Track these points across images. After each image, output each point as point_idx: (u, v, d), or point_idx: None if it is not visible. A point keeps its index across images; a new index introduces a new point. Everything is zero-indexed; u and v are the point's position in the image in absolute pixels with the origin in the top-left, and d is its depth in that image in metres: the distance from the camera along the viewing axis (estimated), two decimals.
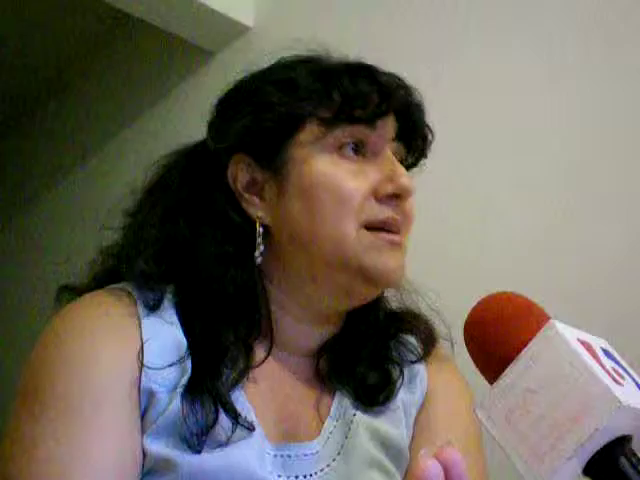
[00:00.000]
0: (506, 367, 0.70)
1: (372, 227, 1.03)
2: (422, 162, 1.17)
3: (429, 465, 0.65)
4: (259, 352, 1.04)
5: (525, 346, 0.70)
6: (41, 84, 3.34)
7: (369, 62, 1.11)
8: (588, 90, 1.67)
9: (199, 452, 0.93)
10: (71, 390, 0.94)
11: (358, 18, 2.16)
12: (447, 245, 1.80)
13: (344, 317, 1.12)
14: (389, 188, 1.04)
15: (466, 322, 0.76)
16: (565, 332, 0.70)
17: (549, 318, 0.73)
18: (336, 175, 1.03)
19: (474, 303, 0.77)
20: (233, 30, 2.47)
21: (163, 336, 0.99)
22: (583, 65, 1.69)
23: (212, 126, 1.13)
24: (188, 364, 0.98)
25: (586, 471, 0.68)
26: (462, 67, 1.91)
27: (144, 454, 0.94)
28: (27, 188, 3.46)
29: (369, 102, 1.05)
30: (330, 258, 1.02)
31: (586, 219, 1.61)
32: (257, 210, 1.06)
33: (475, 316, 0.76)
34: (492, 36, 1.86)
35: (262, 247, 1.04)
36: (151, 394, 0.95)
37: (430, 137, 1.15)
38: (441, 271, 1.73)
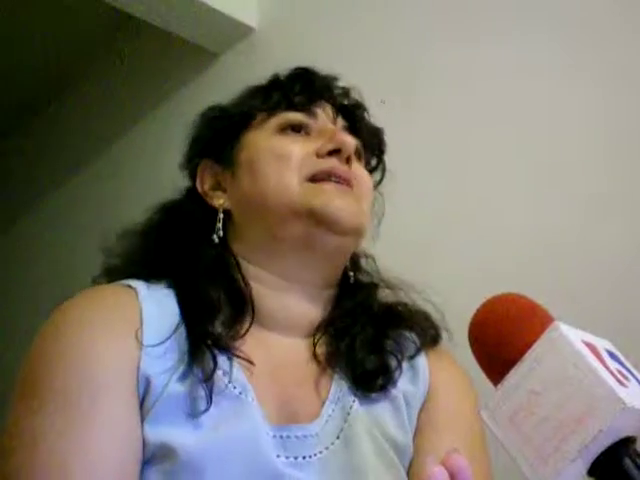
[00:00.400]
0: (510, 369, 0.71)
1: (316, 179, 1.09)
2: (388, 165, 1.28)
3: (436, 472, 0.66)
4: (245, 325, 1.07)
5: (529, 348, 0.70)
6: (43, 86, 3.34)
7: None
8: (588, 89, 1.67)
9: (205, 410, 0.95)
10: (69, 383, 0.94)
11: (361, 19, 2.16)
12: (451, 247, 1.80)
13: (334, 297, 1.15)
14: (329, 145, 1.12)
15: (471, 323, 0.77)
16: (569, 334, 0.70)
17: (553, 320, 0.73)
18: (278, 142, 1.13)
19: (478, 304, 0.78)
20: (237, 32, 2.47)
21: (163, 318, 1.02)
22: (579, 63, 1.69)
23: (183, 154, 1.24)
24: (183, 333, 1.01)
25: (591, 472, 0.68)
26: (461, 65, 1.91)
27: (144, 443, 0.94)
28: (30, 190, 3.47)
29: (300, 92, 1.18)
30: (279, 210, 1.08)
31: (590, 220, 1.61)
32: (219, 199, 1.16)
33: (480, 318, 0.76)
34: (490, 32, 1.86)
35: (220, 230, 1.12)
36: (148, 380, 0.96)
37: (377, 132, 1.26)
38: (445, 273, 1.73)
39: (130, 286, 1.05)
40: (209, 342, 1.00)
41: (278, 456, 0.98)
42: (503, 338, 0.73)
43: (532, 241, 1.68)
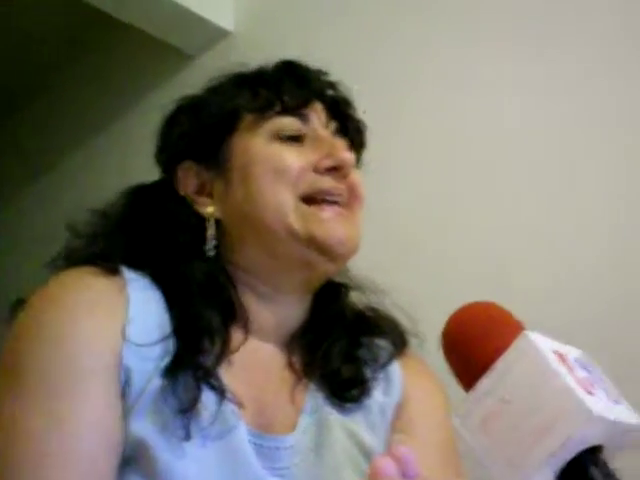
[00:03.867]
0: (482, 376, 0.71)
1: (312, 199, 1.06)
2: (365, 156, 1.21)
3: (382, 462, 0.67)
4: (236, 337, 1.05)
5: (500, 355, 0.71)
6: (16, 86, 3.31)
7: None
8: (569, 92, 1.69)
9: (184, 437, 0.93)
10: (50, 366, 0.93)
11: (337, 22, 2.17)
12: (426, 253, 1.81)
13: (310, 303, 1.13)
14: (328, 162, 1.07)
15: (443, 330, 0.77)
16: (539, 342, 0.71)
17: (524, 328, 0.74)
18: (273, 151, 1.07)
19: (451, 312, 0.78)
20: (213, 34, 2.47)
21: (149, 314, 1.00)
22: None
23: (158, 145, 1.17)
24: (171, 344, 0.98)
25: None
26: (439, 67, 1.92)
27: (126, 437, 0.93)
28: (4, 187, 3.43)
29: (293, 92, 1.10)
30: (279, 233, 1.04)
31: (569, 224, 1.63)
32: (208, 207, 1.09)
33: (452, 324, 0.77)
34: (480, 38, 1.88)
35: (214, 241, 1.07)
36: (129, 372, 0.95)
37: (363, 129, 1.19)
38: (420, 279, 1.74)
39: (117, 270, 1.02)
40: (199, 376, 0.97)
41: (265, 468, 0.97)
42: (474, 345, 0.74)
43: (507, 249, 1.69)
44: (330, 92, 1.16)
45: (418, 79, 1.95)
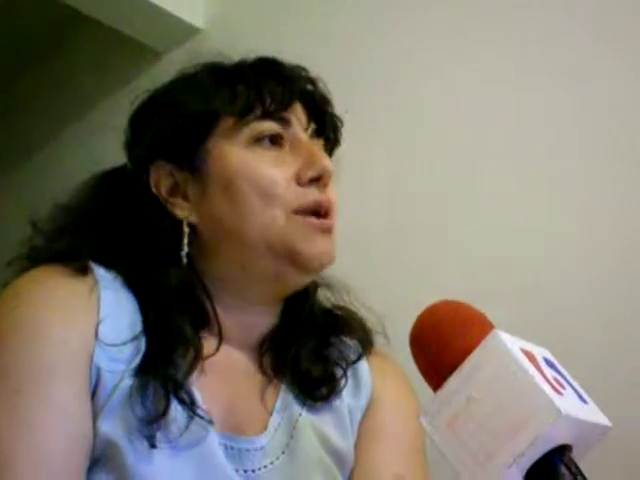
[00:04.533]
0: (450, 375, 0.71)
1: (301, 212, 1.05)
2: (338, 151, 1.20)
3: None
4: (208, 344, 1.04)
5: (469, 354, 0.71)
6: None
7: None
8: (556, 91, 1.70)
9: (149, 446, 0.92)
10: (20, 366, 0.92)
11: (308, 19, 2.17)
12: (396, 253, 1.81)
13: (281, 307, 1.12)
14: (310, 172, 1.06)
15: (412, 329, 0.77)
16: (508, 341, 0.71)
17: (493, 327, 0.74)
18: (255, 164, 1.05)
19: (420, 310, 0.78)
20: (183, 31, 2.45)
21: (121, 314, 0.99)
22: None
23: (128, 142, 1.15)
24: (142, 343, 0.98)
25: (527, 479, 0.69)
26: (421, 65, 1.92)
27: (96, 437, 0.92)
28: None
29: (274, 94, 1.08)
30: (257, 247, 1.04)
31: (538, 227, 1.64)
32: (182, 211, 1.07)
33: (420, 323, 0.77)
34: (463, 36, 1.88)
35: (187, 247, 1.05)
36: (100, 372, 0.94)
37: (339, 125, 1.19)
38: (389, 278, 1.74)
39: (87, 269, 1.01)
40: (169, 388, 0.96)
41: (237, 470, 0.97)
42: (443, 344, 0.74)
43: (477, 249, 1.70)
44: (310, 89, 1.15)
45: (398, 77, 1.94)
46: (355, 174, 1.83)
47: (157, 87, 1.15)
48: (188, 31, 2.46)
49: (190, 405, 0.96)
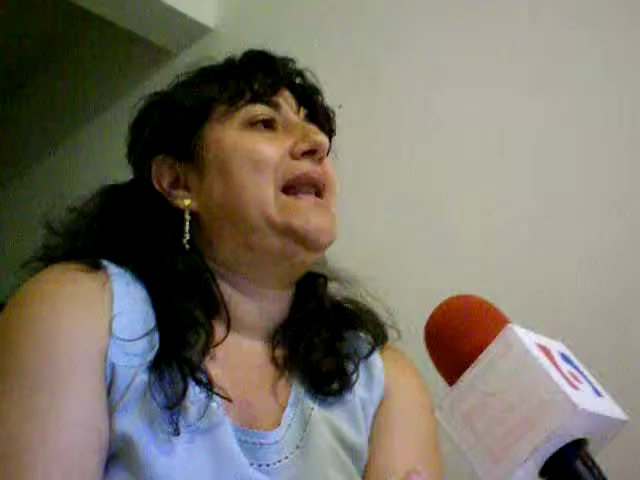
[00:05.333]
0: (465, 369, 0.71)
1: (291, 188, 1.06)
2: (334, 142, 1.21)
3: None
4: (219, 331, 1.04)
5: (484, 349, 0.71)
6: (3, 81, 3.29)
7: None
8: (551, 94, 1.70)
9: (172, 433, 0.92)
10: (36, 363, 0.92)
11: (319, 20, 2.17)
12: (407, 248, 1.81)
13: (292, 296, 1.13)
14: (303, 146, 1.08)
15: (427, 323, 0.77)
16: (523, 336, 0.71)
17: (508, 322, 0.74)
18: (248, 141, 1.07)
19: (432, 305, 0.78)
20: (194, 31, 2.46)
21: (134, 309, 0.99)
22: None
23: (129, 142, 1.18)
24: (156, 338, 0.98)
25: (542, 473, 0.69)
26: (425, 63, 1.93)
27: (112, 433, 0.92)
28: None
29: (262, 80, 1.11)
30: (257, 223, 1.05)
31: (545, 222, 1.64)
32: (184, 200, 1.09)
33: (436, 318, 0.77)
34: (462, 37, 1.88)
35: (188, 235, 1.07)
36: (115, 368, 0.94)
37: (331, 115, 1.20)
38: (400, 273, 1.74)
39: (100, 266, 1.02)
40: (186, 371, 0.96)
41: (251, 464, 0.97)
42: (458, 338, 0.74)
43: (488, 243, 1.70)
44: (298, 80, 1.17)
45: (404, 76, 1.95)
46: (367, 167, 1.83)
47: (154, 92, 1.18)
48: (199, 30, 2.47)
49: (207, 384, 0.97)
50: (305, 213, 1.05)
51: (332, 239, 1.08)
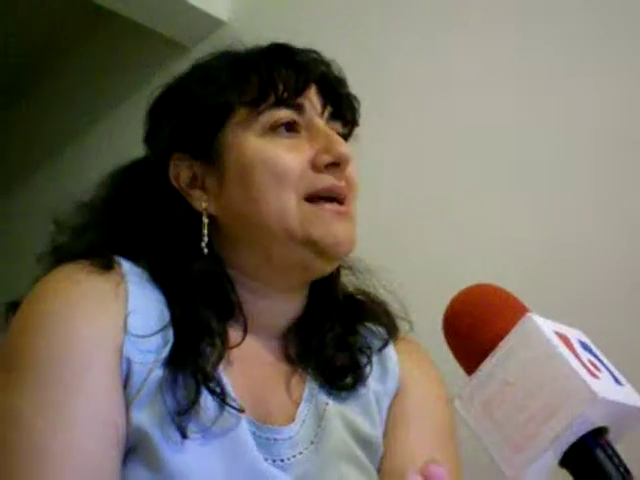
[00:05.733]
0: (484, 359, 0.71)
1: (313, 198, 1.04)
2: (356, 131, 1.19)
3: None
4: (234, 334, 1.04)
5: (503, 338, 0.70)
6: (14, 77, 3.30)
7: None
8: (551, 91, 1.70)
9: (181, 436, 0.92)
10: (51, 358, 0.92)
11: (333, 12, 2.16)
12: (420, 239, 1.81)
13: (306, 294, 1.12)
14: (326, 158, 1.05)
15: (445, 313, 0.77)
16: (542, 325, 0.70)
17: (527, 310, 0.73)
18: (270, 150, 1.05)
19: (444, 296, 0.78)
20: (208, 24, 2.46)
21: (148, 306, 0.99)
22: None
23: (147, 134, 1.16)
24: (170, 333, 0.98)
25: (562, 462, 0.69)
26: (428, 65, 1.94)
27: (128, 427, 0.92)
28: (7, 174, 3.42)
29: (287, 81, 1.07)
30: (277, 234, 1.03)
31: (554, 208, 1.65)
32: (202, 202, 1.07)
33: (454, 307, 0.77)
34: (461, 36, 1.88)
35: (206, 238, 1.05)
36: (130, 364, 0.94)
37: (356, 105, 1.17)
38: (413, 263, 1.75)
39: (113, 263, 1.02)
40: (200, 379, 0.96)
41: (266, 459, 0.97)
42: (477, 327, 0.74)
43: (499, 234, 1.70)
44: (324, 72, 1.13)
45: (409, 77, 1.95)
46: (381, 157, 1.83)
47: (174, 78, 1.15)
48: (213, 24, 2.47)
49: (220, 395, 0.96)
50: (326, 224, 1.03)
51: (351, 248, 1.07)
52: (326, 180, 1.05)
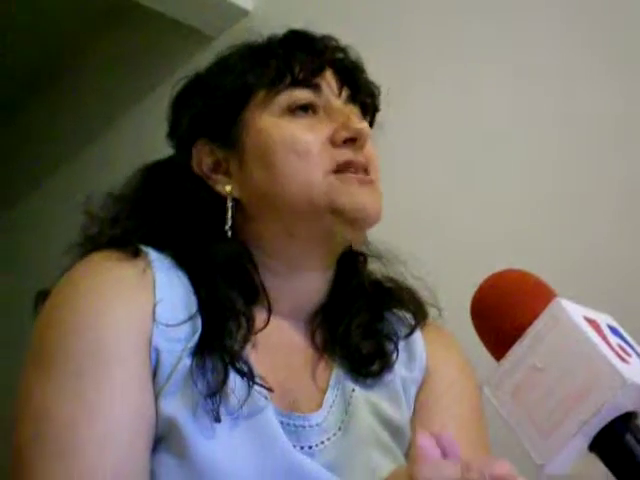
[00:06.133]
0: (513, 344, 0.71)
1: (337, 171, 1.05)
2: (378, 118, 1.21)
3: (426, 442, 0.69)
4: (259, 317, 1.05)
5: (532, 323, 0.70)
6: (38, 68, 3.31)
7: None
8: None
9: (213, 420, 0.93)
10: (81, 349, 0.93)
11: (358, 7, 2.16)
12: (448, 225, 1.81)
13: (332, 275, 1.12)
14: (344, 134, 1.06)
15: (473, 299, 0.77)
16: (571, 309, 0.70)
17: (555, 295, 0.73)
18: (289, 130, 1.06)
19: (472, 282, 0.78)
20: (232, 14, 2.46)
21: (175, 295, 1.00)
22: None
23: (170, 127, 1.18)
24: (198, 322, 0.99)
25: (592, 447, 0.69)
26: (431, 67, 1.94)
27: (158, 417, 0.93)
28: (33, 169, 3.44)
29: (304, 63, 1.09)
30: (302, 208, 1.04)
31: (586, 194, 1.64)
32: (225, 186, 1.09)
33: (483, 292, 0.76)
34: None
35: (230, 221, 1.07)
36: (159, 353, 0.95)
37: (375, 91, 1.18)
38: (441, 250, 1.74)
39: (140, 252, 1.02)
40: (227, 359, 0.97)
41: (294, 446, 0.97)
42: (506, 313, 0.73)
43: (529, 219, 1.70)
44: (340, 57, 1.14)
45: (417, 78, 1.95)
46: (408, 144, 1.83)
47: (194, 73, 1.17)
48: (237, 13, 2.46)
49: (248, 375, 0.97)
50: (351, 192, 1.04)
51: (378, 218, 1.07)
52: (345, 154, 1.06)
